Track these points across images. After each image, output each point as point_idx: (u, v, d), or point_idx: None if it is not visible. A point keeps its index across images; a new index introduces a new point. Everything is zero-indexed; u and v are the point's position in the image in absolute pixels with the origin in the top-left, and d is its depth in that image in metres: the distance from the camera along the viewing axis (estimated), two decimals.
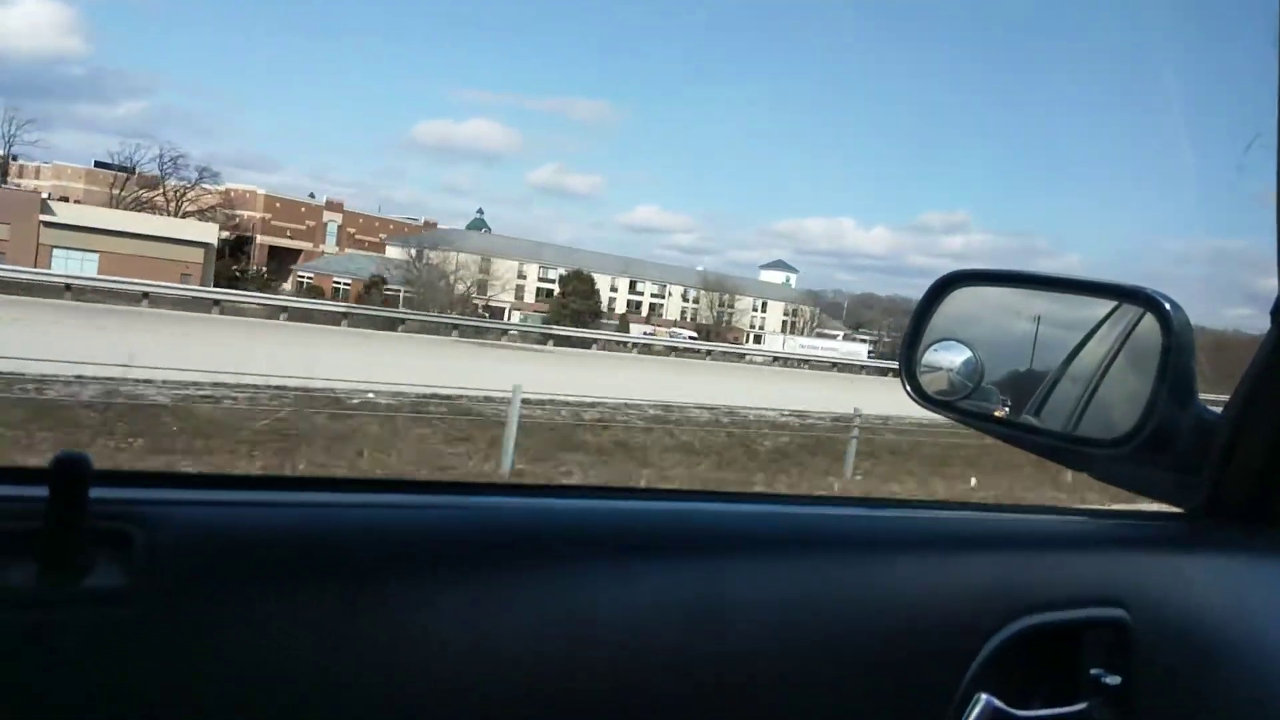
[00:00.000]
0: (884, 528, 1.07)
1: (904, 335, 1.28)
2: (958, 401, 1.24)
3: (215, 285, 35.58)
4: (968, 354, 1.24)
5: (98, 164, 52.74)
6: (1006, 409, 1.24)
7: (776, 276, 77.54)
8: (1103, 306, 1.24)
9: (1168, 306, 1.10)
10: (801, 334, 59.98)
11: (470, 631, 0.78)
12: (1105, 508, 1.21)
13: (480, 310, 46.44)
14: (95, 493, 0.67)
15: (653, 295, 67.72)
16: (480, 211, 72.83)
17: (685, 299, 67.35)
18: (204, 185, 51.63)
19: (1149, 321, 1.13)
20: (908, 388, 1.26)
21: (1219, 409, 1.15)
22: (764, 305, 69.19)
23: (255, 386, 10.08)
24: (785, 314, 69.53)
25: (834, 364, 37.32)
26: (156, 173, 50.38)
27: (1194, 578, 1.15)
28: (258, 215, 55.43)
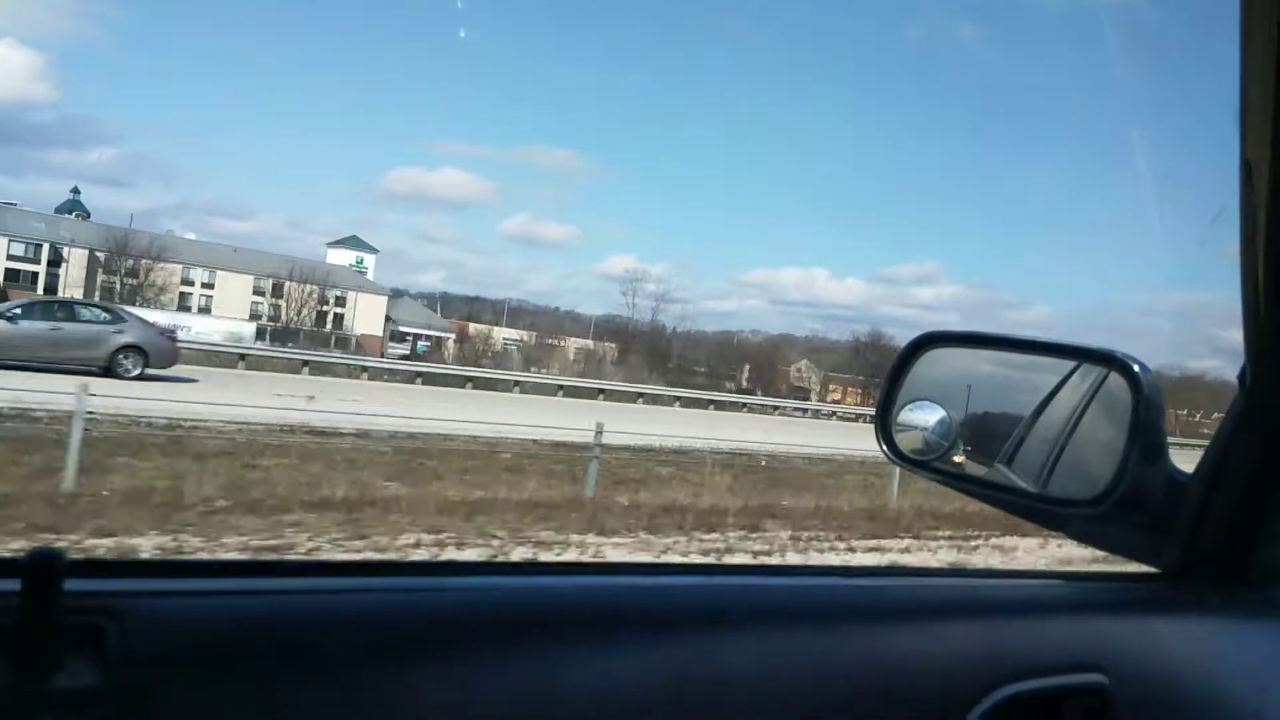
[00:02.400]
0: (866, 598, 1.07)
1: (879, 396, 1.29)
2: (933, 461, 1.25)
3: None
4: (941, 413, 1.26)
5: None
6: (982, 469, 1.25)
7: (345, 256, 65.60)
8: (1071, 367, 1.26)
9: (1136, 368, 1.12)
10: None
11: (450, 718, 0.77)
12: (1083, 570, 1.22)
13: None
14: (71, 584, 0.67)
15: (204, 284, 58.99)
16: (75, 191, 64.50)
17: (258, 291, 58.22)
18: None
19: (1116, 381, 1.14)
20: (884, 448, 1.27)
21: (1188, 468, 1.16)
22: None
23: None
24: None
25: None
26: None
27: (1170, 639, 1.15)
28: None
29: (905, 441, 1.27)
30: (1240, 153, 0.99)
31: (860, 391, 53.19)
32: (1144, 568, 1.18)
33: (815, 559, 6.57)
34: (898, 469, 1.29)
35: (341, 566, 0.90)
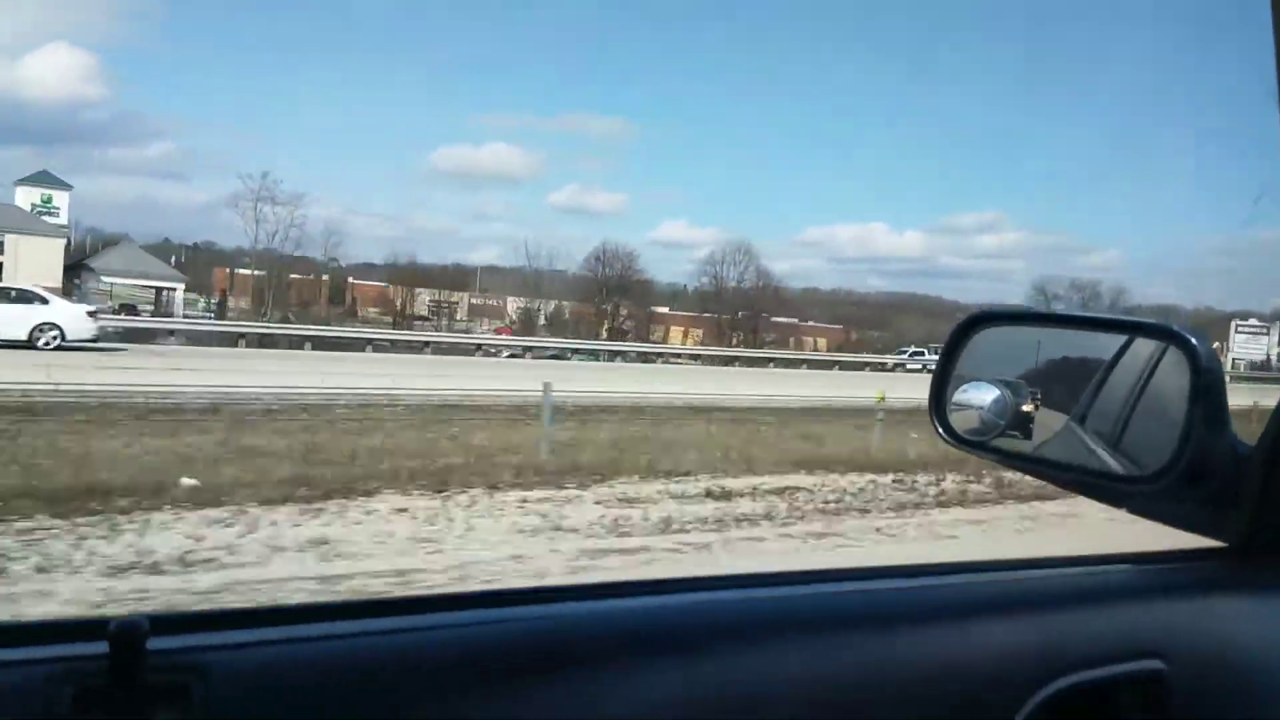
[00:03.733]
0: (914, 599, 1.06)
1: (933, 376, 1.27)
2: (990, 440, 1.24)
3: None
4: (996, 393, 1.25)
5: None
6: (1039, 446, 1.24)
7: (32, 195, 46.90)
8: (1122, 341, 1.26)
9: (1194, 341, 1.11)
10: None
11: None
12: (1144, 551, 1.22)
13: None
14: (154, 643, 0.70)
15: None
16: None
17: None
18: None
19: (1173, 355, 1.14)
20: (939, 429, 1.26)
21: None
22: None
23: None
24: None
25: None
26: None
27: (1233, 618, 1.14)
28: None
29: (960, 422, 1.26)
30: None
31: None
32: (1209, 543, 1.19)
33: None
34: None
35: (399, 605, 0.90)
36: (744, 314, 55.84)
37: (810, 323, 63.44)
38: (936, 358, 1.27)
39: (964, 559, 1.17)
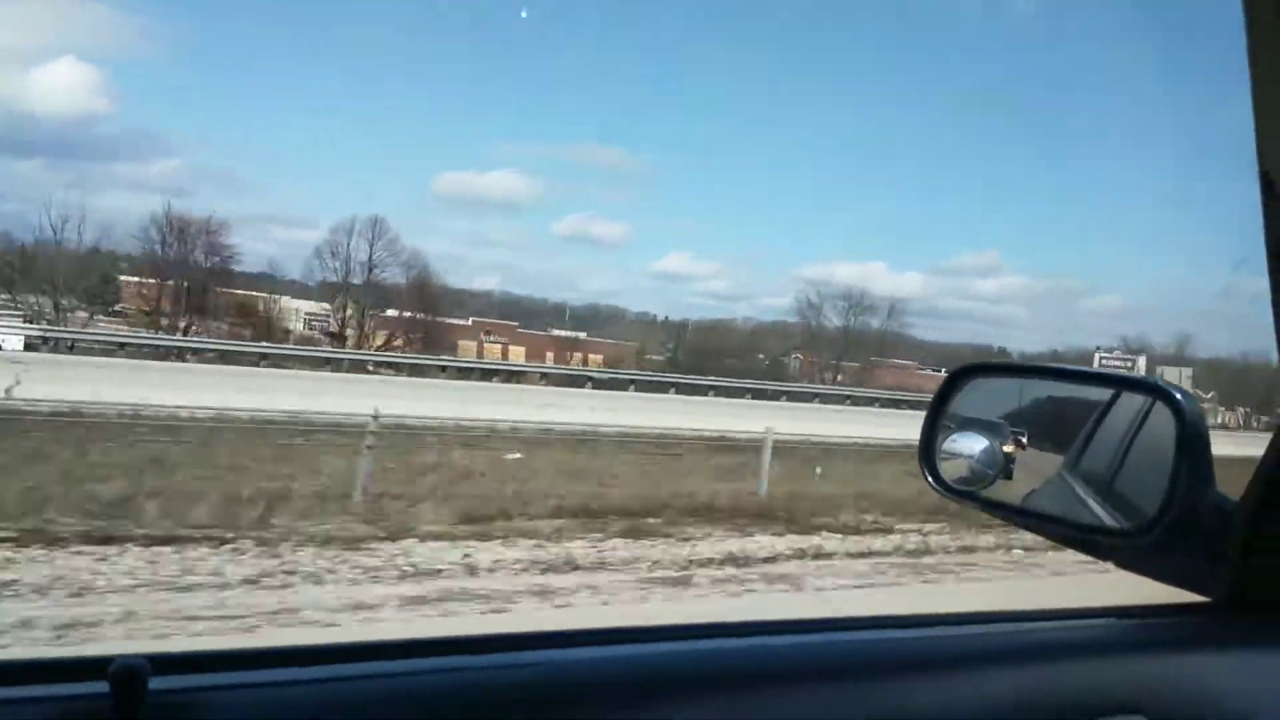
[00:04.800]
0: (901, 650, 1.07)
1: (923, 424, 1.30)
2: (979, 490, 1.26)
3: None
4: (985, 443, 1.27)
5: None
6: (1028, 497, 1.26)
7: None
8: (1109, 395, 1.28)
9: (1179, 397, 1.13)
10: None
11: None
12: (1124, 605, 1.22)
13: None
14: (155, 683, 0.71)
15: None
16: None
17: None
18: None
19: (1160, 410, 1.16)
20: (929, 478, 1.28)
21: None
22: None
23: None
24: None
25: None
26: None
27: (1214, 674, 1.14)
28: None
29: (950, 470, 1.28)
30: (1259, 166, 0.98)
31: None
32: (1193, 597, 1.19)
33: None
34: None
35: (399, 648, 0.91)
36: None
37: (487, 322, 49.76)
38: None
39: (950, 611, 1.17)
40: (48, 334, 30.14)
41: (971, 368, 1.31)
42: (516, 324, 51.36)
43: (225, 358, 29.55)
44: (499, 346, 47.43)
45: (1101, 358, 56.66)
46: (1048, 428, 1.32)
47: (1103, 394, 1.27)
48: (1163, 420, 1.14)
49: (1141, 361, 56.68)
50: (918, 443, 1.29)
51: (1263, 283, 1.04)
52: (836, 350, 52.68)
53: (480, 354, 44.24)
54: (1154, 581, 1.19)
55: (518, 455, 12.42)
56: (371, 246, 42.69)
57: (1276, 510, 1.13)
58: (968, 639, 1.15)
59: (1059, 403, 1.32)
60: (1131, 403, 1.23)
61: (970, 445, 1.27)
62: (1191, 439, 1.10)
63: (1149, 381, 1.19)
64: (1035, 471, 1.28)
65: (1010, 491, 1.26)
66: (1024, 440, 1.27)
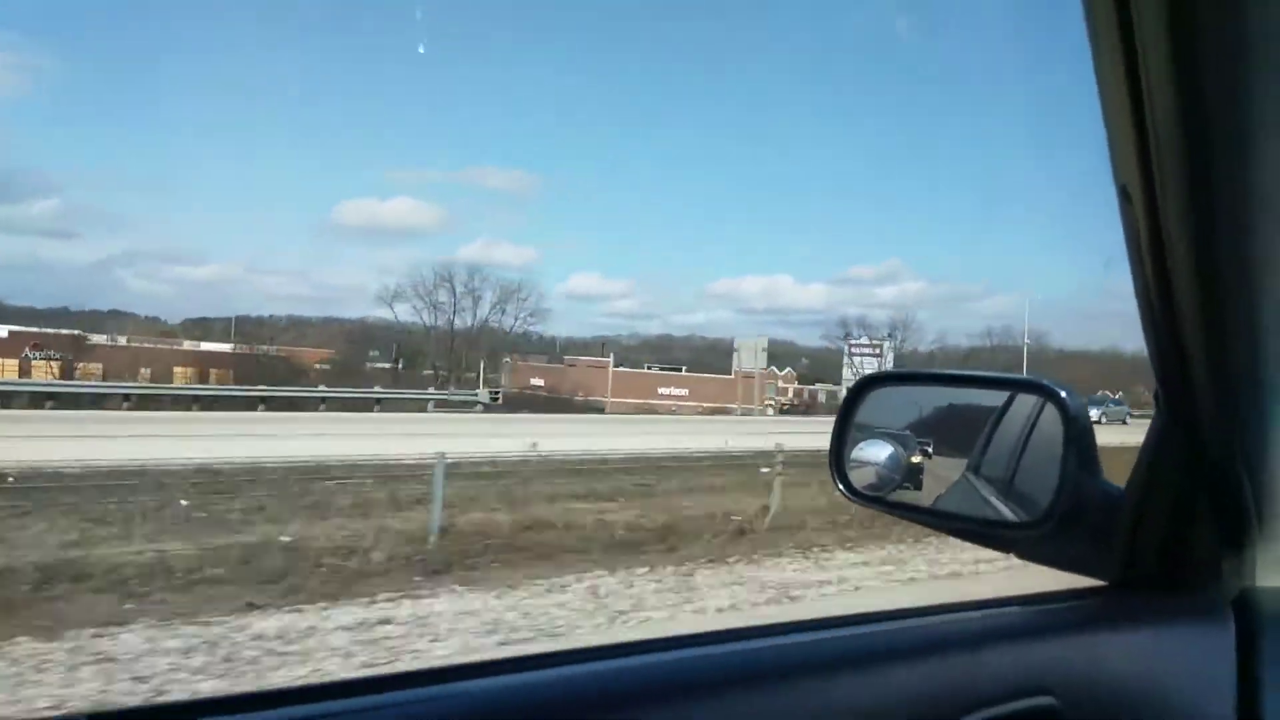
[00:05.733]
0: (816, 651, 1.10)
1: (831, 434, 1.35)
2: (886, 495, 1.32)
3: None
4: (890, 449, 1.32)
5: None
6: (931, 498, 1.31)
7: None
8: (1005, 397, 1.35)
9: (1064, 394, 1.20)
10: None
11: None
12: (1029, 594, 1.28)
13: None
14: None
15: None
16: None
17: None
18: None
19: (1049, 409, 1.23)
20: (839, 486, 1.33)
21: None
22: None
23: None
24: None
25: None
26: None
27: (1115, 651, 1.20)
28: None
29: (859, 478, 1.33)
30: (1114, 178, 1.03)
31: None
32: (1090, 582, 1.26)
33: None
34: None
35: (374, 683, 0.89)
36: None
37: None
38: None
39: (864, 610, 1.22)
40: None
41: (871, 378, 1.37)
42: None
43: None
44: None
45: (851, 345, 60.09)
46: (951, 432, 1.38)
47: (999, 397, 1.34)
48: (1051, 417, 1.21)
49: (887, 345, 59.25)
50: (829, 451, 1.34)
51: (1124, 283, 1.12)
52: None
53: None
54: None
55: None
56: None
57: (1158, 494, 1.20)
58: (883, 635, 1.19)
59: (959, 408, 1.39)
60: (1027, 403, 1.30)
61: (876, 453, 1.32)
62: (1077, 433, 1.17)
63: (1037, 382, 1.26)
64: (940, 475, 1.34)
65: (918, 495, 1.32)
66: (929, 449, 1.33)
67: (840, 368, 59.31)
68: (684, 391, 56.26)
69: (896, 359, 57.87)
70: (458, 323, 56.56)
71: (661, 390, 55.90)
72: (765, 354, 54.11)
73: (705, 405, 52.03)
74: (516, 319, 57.28)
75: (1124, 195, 1.04)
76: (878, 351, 58.56)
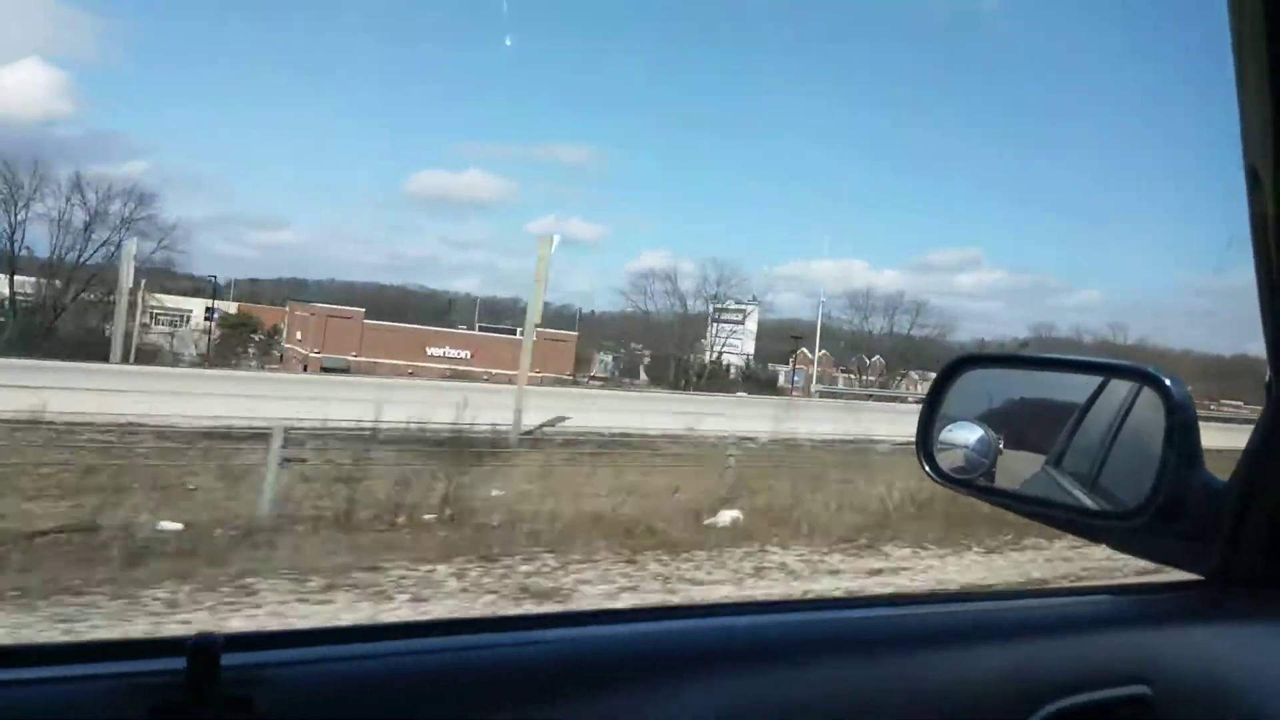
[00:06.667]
0: (910, 626, 1.10)
1: (920, 416, 1.33)
2: (975, 479, 1.29)
3: None
4: (981, 432, 1.30)
5: None
6: (1022, 484, 1.29)
7: None
8: (1091, 387, 1.31)
9: (1169, 382, 1.16)
10: None
11: None
12: (1124, 582, 1.25)
13: None
14: (227, 659, 0.76)
15: None
16: None
17: None
18: None
19: (1148, 395, 1.19)
20: (926, 468, 1.31)
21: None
22: None
23: None
24: None
25: None
26: None
27: (1212, 647, 1.17)
28: None
29: (946, 460, 1.31)
30: (1244, 160, 1.00)
31: None
32: (1187, 576, 1.22)
33: None
34: None
35: (445, 625, 0.96)
36: None
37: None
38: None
39: (953, 589, 1.20)
40: None
41: (966, 358, 1.34)
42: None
43: None
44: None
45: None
46: (1040, 415, 1.35)
47: (1081, 390, 1.31)
48: (1150, 404, 1.17)
49: (753, 310, 52.39)
50: (916, 433, 1.32)
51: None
52: None
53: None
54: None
55: None
56: None
57: (1263, 489, 1.16)
58: (974, 614, 1.18)
59: (1048, 392, 1.35)
60: (1121, 389, 1.26)
61: (966, 436, 1.30)
62: (1180, 422, 1.13)
63: (1138, 368, 1.22)
64: (1026, 460, 1.31)
65: (1003, 480, 1.29)
66: (1010, 439, 1.31)
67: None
68: (464, 354, 44.55)
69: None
70: None
71: (432, 350, 44.12)
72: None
73: (494, 371, 37.84)
74: None
75: (1252, 177, 1.00)
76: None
